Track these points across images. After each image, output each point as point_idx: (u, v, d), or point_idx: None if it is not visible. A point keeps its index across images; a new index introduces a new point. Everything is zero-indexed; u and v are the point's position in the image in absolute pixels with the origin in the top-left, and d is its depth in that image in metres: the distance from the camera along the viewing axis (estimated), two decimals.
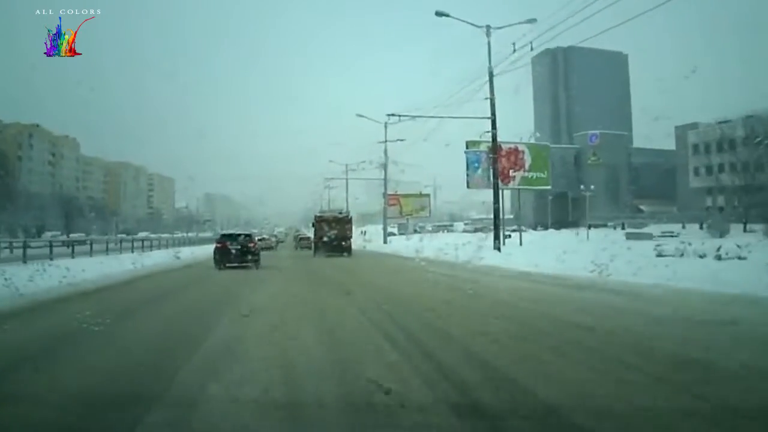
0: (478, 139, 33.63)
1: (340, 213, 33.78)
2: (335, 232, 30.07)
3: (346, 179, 47.16)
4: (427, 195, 58.85)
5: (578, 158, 79.36)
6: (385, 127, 37.11)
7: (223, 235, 22.47)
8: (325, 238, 29.86)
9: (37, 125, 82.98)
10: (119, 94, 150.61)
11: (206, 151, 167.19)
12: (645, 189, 77.04)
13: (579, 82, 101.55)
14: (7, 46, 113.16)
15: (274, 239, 48.38)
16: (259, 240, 31.33)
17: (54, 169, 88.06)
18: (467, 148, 37.27)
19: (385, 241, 37.32)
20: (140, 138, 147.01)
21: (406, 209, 47.24)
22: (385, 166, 37.70)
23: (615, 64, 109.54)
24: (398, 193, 40.41)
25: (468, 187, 40.02)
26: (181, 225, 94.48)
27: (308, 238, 39.27)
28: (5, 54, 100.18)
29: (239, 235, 22.48)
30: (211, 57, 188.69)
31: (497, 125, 25.65)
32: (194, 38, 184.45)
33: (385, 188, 39.81)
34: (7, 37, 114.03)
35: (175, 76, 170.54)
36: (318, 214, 33.93)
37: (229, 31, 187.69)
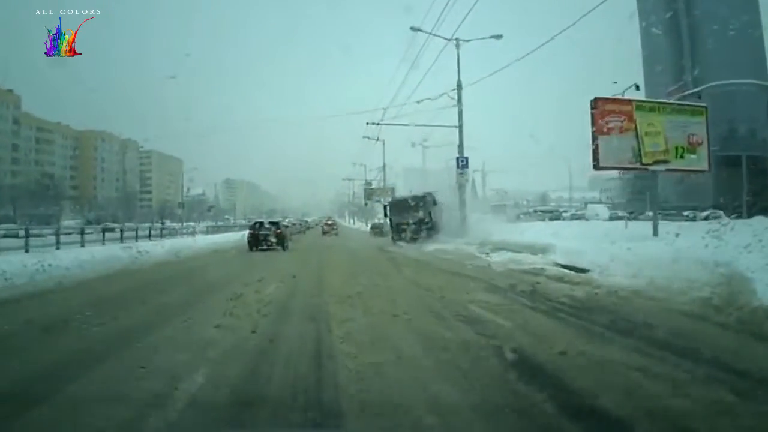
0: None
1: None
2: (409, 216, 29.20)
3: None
4: (704, 107, 19.08)
5: None
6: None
7: (254, 223, 27.44)
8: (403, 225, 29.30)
9: None
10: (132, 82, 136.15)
11: (232, 138, 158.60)
12: None
13: (701, 17, 70.54)
14: (8, 45, 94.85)
15: (305, 224, 64.48)
16: (291, 225, 42.61)
17: None
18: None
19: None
20: (160, 125, 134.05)
21: (652, 145, 17.09)
22: None
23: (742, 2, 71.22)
24: (633, 98, 20.09)
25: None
26: (178, 212, 76.90)
27: (331, 224, 50.12)
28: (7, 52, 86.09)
29: (268, 222, 27.77)
30: (236, 42, 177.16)
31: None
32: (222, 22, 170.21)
33: None
34: (8, 36, 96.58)
35: (199, 58, 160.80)
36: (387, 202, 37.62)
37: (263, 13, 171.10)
